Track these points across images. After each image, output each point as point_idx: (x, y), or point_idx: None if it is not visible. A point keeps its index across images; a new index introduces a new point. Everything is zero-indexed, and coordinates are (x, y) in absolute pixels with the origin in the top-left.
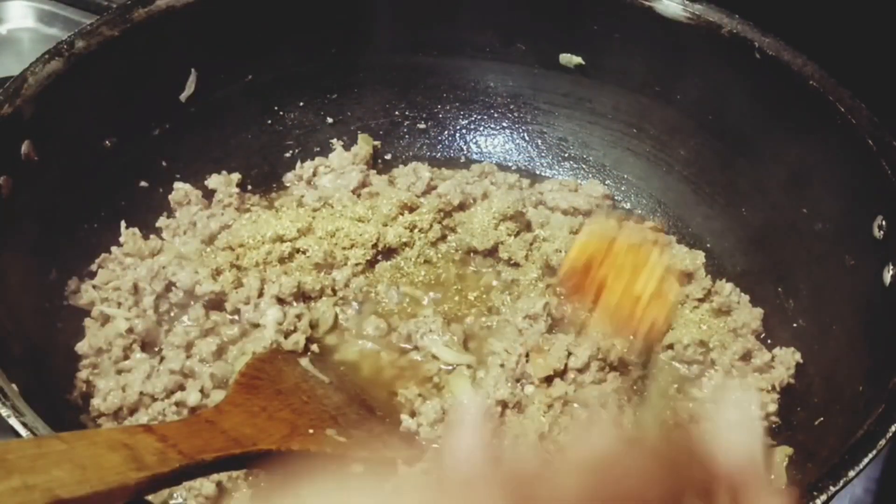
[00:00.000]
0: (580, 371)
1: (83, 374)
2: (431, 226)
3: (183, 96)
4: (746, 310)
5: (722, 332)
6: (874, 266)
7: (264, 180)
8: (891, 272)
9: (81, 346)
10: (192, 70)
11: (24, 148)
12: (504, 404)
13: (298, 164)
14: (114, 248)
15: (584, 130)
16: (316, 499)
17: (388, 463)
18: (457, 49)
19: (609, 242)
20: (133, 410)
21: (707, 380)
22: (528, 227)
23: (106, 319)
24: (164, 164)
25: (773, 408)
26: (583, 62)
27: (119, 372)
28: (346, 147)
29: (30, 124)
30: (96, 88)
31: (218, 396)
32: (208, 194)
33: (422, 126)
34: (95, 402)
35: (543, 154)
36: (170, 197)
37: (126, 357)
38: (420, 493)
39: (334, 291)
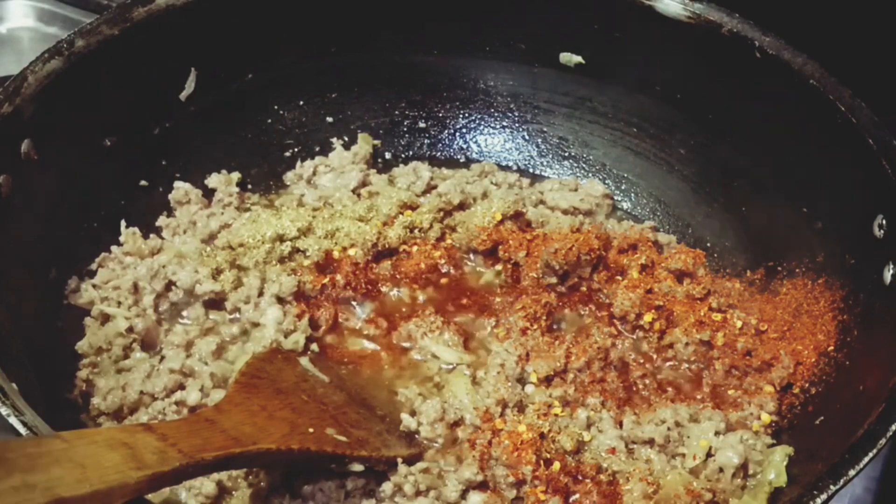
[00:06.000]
0: (580, 371)
1: (83, 374)
2: (431, 225)
3: (183, 95)
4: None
5: (722, 331)
6: (874, 265)
7: (264, 179)
8: (891, 271)
9: (81, 346)
10: (192, 69)
11: (24, 147)
12: (504, 404)
13: (298, 163)
14: (114, 248)
15: (585, 129)
16: None
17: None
18: (457, 48)
19: None
20: (133, 409)
21: (706, 380)
22: (528, 226)
23: (106, 318)
24: (164, 163)
25: (772, 407)
26: (583, 61)
27: (119, 371)
28: (346, 146)
29: (30, 123)
30: (96, 88)
31: (218, 395)
32: (208, 193)
33: (422, 125)
34: (95, 401)
35: (543, 153)
36: (170, 196)
37: (126, 356)
38: None
39: (334, 291)
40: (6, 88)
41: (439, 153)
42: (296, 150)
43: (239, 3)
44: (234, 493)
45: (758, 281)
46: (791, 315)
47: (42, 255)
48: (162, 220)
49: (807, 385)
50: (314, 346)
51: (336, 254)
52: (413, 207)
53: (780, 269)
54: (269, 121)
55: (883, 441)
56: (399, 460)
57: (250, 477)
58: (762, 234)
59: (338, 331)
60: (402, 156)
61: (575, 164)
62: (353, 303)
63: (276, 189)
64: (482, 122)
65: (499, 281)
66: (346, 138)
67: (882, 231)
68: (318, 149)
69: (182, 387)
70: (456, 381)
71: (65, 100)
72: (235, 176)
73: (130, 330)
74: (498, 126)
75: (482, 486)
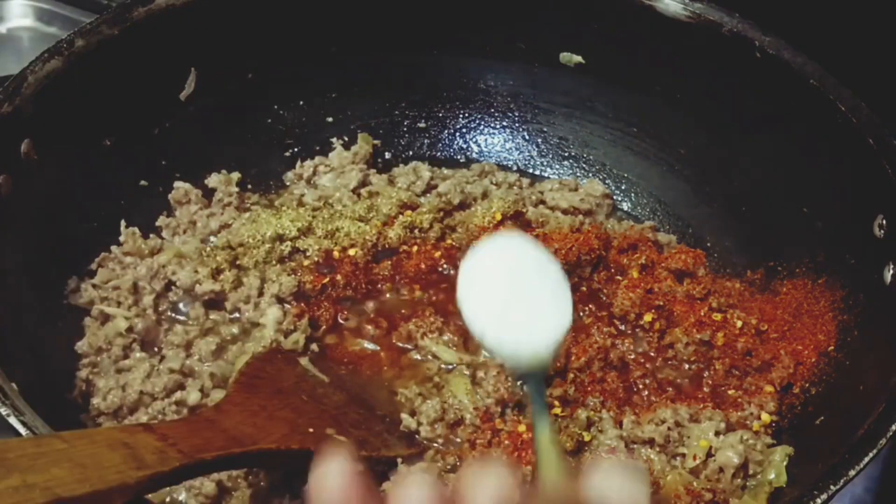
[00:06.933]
0: (580, 371)
1: (83, 374)
2: (431, 225)
3: (183, 95)
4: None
5: (722, 331)
6: (874, 265)
7: (264, 179)
8: (891, 271)
9: (81, 346)
10: (192, 69)
11: (24, 147)
12: (504, 403)
13: (298, 163)
14: (113, 248)
15: (585, 129)
16: None
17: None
18: (457, 48)
19: None
20: (133, 409)
21: (706, 380)
22: (528, 226)
23: (105, 318)
24: (163, 163)
25: (772, 407)
26: (583, 61)
27: (119, 371)
28: (346, 146)
29: (29, 123)
30: (96, 87)
31: (218, 395)
32: (208, 193)
33: (422, 125)
34: (95, 401)
35: (543, 153)
36: (169, 196)
37: (126, 356)
38: None
39: (334, 291)
40: (6, 88)
41: (439, 153)
42: (296, 150)
43: (239, 3)
44: (234, 493)
45: (758, 281)
46: (791, 315)
47: (42, 255)
48: (162, 220)
49: (807, 385)
50: (314, 346)
51: (336, 254)
52: (413, 207)
53: (780, 269)
54: (269, 121)
55: (883, 441)
56: (399, 460)
57: (250, 477)
58: (762, 234)
59: (338, 331)
60: (402, 156)
61: (575, 164)
62: (353, 303)
63: (276, 189)
64: (482, 122)
65: None
66: (346, 138)
67: (882, 231)
68: (318, 148)
69: (182, 387)
70: (456, 381)
71: (65, 100)
72: (235, 176)
73: (130, 330)
74: (498, 126)
75: None
